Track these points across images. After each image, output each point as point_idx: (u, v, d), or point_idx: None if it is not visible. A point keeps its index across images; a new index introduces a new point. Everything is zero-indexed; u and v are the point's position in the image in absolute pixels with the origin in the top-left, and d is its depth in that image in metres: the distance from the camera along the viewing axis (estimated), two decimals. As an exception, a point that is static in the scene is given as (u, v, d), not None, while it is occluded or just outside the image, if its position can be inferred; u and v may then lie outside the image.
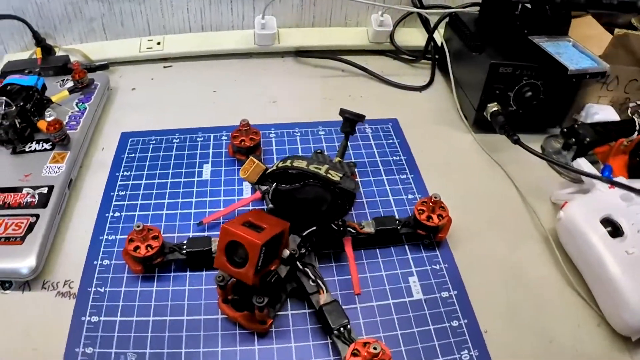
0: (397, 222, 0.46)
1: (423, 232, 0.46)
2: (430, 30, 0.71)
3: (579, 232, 0.44)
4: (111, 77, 0.68)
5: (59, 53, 0.68)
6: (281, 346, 0.39)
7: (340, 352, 0.37)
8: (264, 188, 0.45)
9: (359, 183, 0.54)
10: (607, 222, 0.45)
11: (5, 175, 0.50)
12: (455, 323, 0.41)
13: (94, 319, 0.41)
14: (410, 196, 0.53)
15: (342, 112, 0.50)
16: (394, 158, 0.57)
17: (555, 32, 0.57)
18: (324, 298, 0.39)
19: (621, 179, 0.47)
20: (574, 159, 0.53)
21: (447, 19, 0.70)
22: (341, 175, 0.40)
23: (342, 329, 0.38)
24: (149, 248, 0.42)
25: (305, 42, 0.73)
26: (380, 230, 0.46)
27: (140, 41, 0.71)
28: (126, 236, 0.43)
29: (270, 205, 0.43)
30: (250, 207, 0.50)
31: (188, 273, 0.44)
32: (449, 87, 0.68)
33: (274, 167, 0.42)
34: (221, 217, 0.49)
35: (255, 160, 0.43)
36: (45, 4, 0.67)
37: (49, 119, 0.51)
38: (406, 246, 0.47)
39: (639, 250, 0.42)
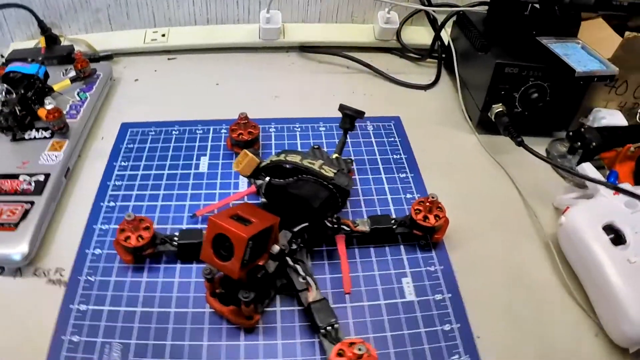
0: (392, 221, 0.46)
1: (419, 233, 0.45)
2: (437, 29, 0.70)
3: (580, 239, 0.43)
4: (115, 68, 0.68)
5: (64, 43, 0.68)
6: (267, 343, 0.39)
7: (326, 352, 0.36)
8: (259, 182, 0.44)
9: (357, 180, 0.53)
10: (610, 229, 0.43)
11: (3, 162, 0.50)
12: (447, 327, 0.40)
13: (82, 307, 0.41)
14: (408, 195, 0.52)
15: (342, 107, 0.49)
16: (395, 156, 0.57)
17: (564, 34, 0.56)
18: (312, 295, 0.38)
19: (626, 185, 0.46)
20: (579, 163, 0.51)
21: (454, 18, 0.69)
22: (335, 171, 0.39)
23: (329, 327, 0.37)
24: (139, 238, 0.42)
25: (311, 38, 0.73)
26: (375, 229, 0.45)
27: (145, 33, 0.71)
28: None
29: (264, 200, 0.42)
30: (246, 201, 0.50)
31: (178, 265, 0.44)
32: (454, 87, 0.67)
33: (268, 161, 0.41)
34: (215, 210, 0.48)
35: (248, 153, 0.42)
36: (52, -6, 0.67)
37: (48, 107, 0.51)
38: (401, 246, 0.47)
39: (641, 259, 0.40)
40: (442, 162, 0.57)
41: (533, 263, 0.46)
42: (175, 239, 0.43)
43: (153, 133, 0.58)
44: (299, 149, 0.56)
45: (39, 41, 0.66)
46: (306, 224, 0.41)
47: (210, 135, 0.58)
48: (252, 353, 0.38)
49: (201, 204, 0.50)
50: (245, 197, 0.50)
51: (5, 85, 0.52)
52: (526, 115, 0.58)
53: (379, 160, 0.56)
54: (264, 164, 0.42)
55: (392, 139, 0.59)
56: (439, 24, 0.70)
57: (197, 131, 0.59)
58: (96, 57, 0.67)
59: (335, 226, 0.43)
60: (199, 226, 0.47)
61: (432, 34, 0.72)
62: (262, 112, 0.60)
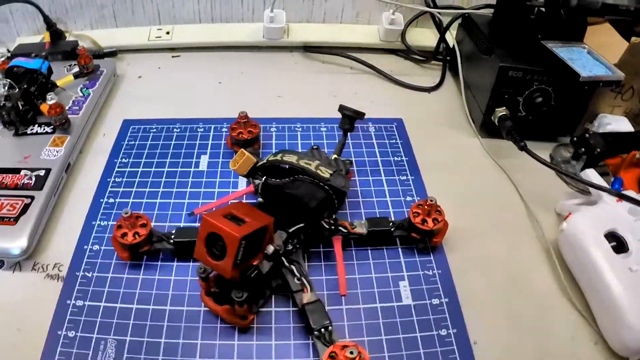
0: (391, 224, 0.45)
1: (417, 236, 0.45)
2: (442, 31, 0.70)
3: (582, 246, 0.42)
4: (119, 65, 0.68)
5: (69, 38, 0.69)
6: (261, 343, 0.39)
7: (319, 354, 0.36)
8: (257, 181, 0.44)
9: (356, 181, 0.52)
10: (612, 236, 0.43)
11: (5, 156, 0.50)
12: (443, 332, 0.40)
13: (79, 303, 0.41)
14: (408, 198, 0.51)
15: (341, 108, 0.49)
16: (395, 158, 0.56)
17: (570, 38, 0.55)
18: (307, 297, 0.38)
19: (630, 193, 0.45)
20: (583, 169, 0.51)
21: (459, 20, 0.68)
22: (332, 172, 0.39)
23: (323, 329, 0.37)
24: (136, 235, 0.42)
25: (315, 38, 0.73)
26: (372, 231, 0.45)
27: (149, 30, 0.72)
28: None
29: (260, 199, 0.42)
30: (244, 200, 0.50)
31: (175, 263, 0.44)
32: (458, 90, 0.66)
33: (264, 161, 0.41)
34: (213, 209, 0.48)
35: (245, 152, 0.42)
36: (58, -11, 0.68)
37: (50, 102, 0.51)
38: (399, 249, 0.46)
39: (642, 267, 0.40)
40: (444, 164, 0.56)
41: (533, 269, 0.46)
42: (172, 236, 0.43)
43: (154, 130, 0.58)
44: (300, 149, 0.56)
45: (44, 36, 0.67)
46: (302, 224, 0.40)
47: (212, 133, 0.58)
48: (246, 353, 0.38)
49: (200, 202, 0.49)
50: (244, 196, 0.50)
51: (8, 79, 0.52)
52: (530, 120, 0.57)
53: (379, 161, 0.56)
54: (260, 163, 0.42)
55: (394, 141, 0.59)
56: (444, 26, 0.69)
57: (199, 129, 0.59)
58: (100, 54, 0.68)
59: (332, 227, 0.43)
60: (196, 224, 0.47)
61: (437, 36, 0.71)
62: (264, 112, 0.59)
